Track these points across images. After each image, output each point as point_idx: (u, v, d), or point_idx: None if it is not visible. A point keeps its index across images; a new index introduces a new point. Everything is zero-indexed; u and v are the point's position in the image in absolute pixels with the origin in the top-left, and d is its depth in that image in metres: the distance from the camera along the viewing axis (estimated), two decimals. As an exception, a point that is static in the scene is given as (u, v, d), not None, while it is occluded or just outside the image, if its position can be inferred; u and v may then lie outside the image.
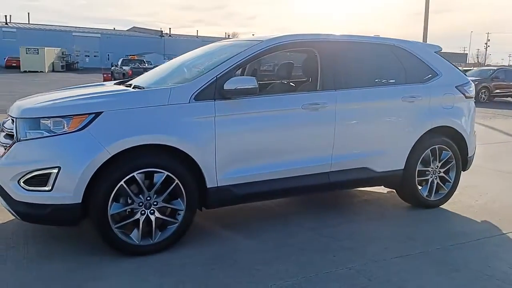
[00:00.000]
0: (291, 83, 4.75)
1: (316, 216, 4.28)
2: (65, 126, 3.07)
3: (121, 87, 3.83)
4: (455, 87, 4.63)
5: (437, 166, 4.57)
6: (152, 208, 3.28)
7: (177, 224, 3.38)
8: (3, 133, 3.39)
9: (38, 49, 41.97)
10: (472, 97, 4.86)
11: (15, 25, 55.05)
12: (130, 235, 3.24)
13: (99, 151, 3.04)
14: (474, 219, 4.37)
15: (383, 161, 4.23)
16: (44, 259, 3.18)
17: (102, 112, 3.13)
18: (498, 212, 4.57)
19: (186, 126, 3.33)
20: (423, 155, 4.45)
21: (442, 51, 4.84)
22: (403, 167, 4.36)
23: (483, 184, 5.67)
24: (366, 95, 4.13)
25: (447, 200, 4.73)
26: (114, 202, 3.14)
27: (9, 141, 3.22)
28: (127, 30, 68.51)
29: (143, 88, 3.70)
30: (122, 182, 3.13)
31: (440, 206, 4.68)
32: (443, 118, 4.51)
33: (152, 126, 3.23)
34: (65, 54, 47.99)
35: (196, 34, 68.93)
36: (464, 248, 3.63)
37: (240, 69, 5.21)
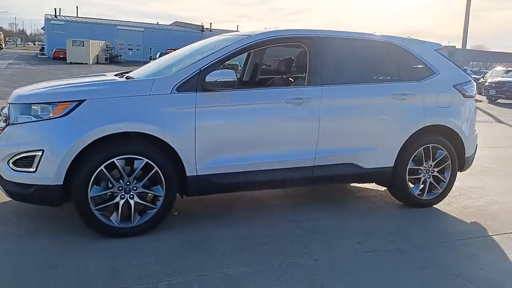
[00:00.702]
0: (290, 78, 4.81)
1: (302, 210, 4.34)
2: (51, 112, 3.29)
3: (116, 78, 4.02)
4: (453, 86, 4.55)
5: (431, 165, 4.52)
6: (131, 193, 3.45)
7: (156, 210, 3.54)
8: (2, 118, 3.66)
9: (83, 41, 43.53)
10: (473, 97, 4.76)
11: (63, 18, 57.32)
12: (110, 218, 3.43)
13: (80, 137, 3.23)
14: (464, 220, 4.31)
15: (371, 158, 4.23)
16: (28, 236, 3.42)
17: (85, 100, 3.32)
18: (493, 215, 4.47)
19: (167, 116, 3.48)
20: (415, 153, 4.41)
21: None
22: (392, 165, 4.34)
23: (489, 186, 5.54)
24: (354, 91, 4.14)
25: (441, 200, 4.67)
26: (94, 185, 3.33)
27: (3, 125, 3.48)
28: (169, 25, 69.91)
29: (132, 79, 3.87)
30: (102, 167, 3.31)
31: (434, 206, 4.63)
32: (438, 117, 4.45)
33: (132, 115, 3.40)
34: (109, 47, 49.51)
35: (236, 29, 69.43)
36: (442, 247, 3.61)
37: (243, 63, 5.42)
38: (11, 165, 3.31)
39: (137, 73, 4.19)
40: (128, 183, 3.44)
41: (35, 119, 3.32)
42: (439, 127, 4.49)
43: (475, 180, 5.81)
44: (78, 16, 63.75)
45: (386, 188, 4.80)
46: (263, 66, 5.29)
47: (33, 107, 3.37)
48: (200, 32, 62.47)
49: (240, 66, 6.04)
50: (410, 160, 4.41)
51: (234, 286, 2.84)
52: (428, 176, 4.54)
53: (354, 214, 4.32)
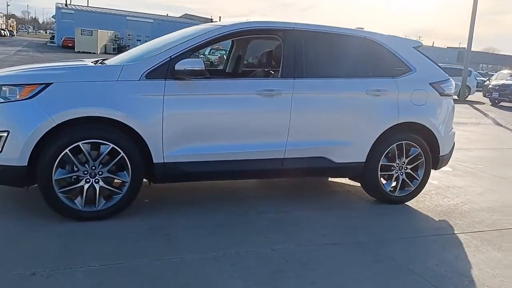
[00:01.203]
0: (271, 71, 4.83)
1: (274, 202, 4.37)
2: (17, 94, 3.35)
3: (89, 63, 4.06)
4: (430, 83, 4.55)
5: (404, 162, 4.53)
6: (97, 177, 3.51)
7: (121, 195, 3.59)
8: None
9: (92, 31, 43.74)
10: (450, 96, 4.76)
11: (73, 7, 57.57)
12: (75, 201, 3.48)
13: (44, 119, 3.28)
14: (433, 218, 4.32)
15: (342, 152, 4.25)
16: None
17: (52, 83, 3.37)
18: (463, 214, 4.48)
19: (134, 102, 3.52)
20: (388, 149, 4.42)
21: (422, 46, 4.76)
22: (364, 160, 4.35)
23: (468, 187, 5.54)
24: (327, 85, 4.16)
25: (414, 197, 4.68)
26: (59, 168, 3.39)
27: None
28: (179, 17, 69.96)
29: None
30: (67, 150, 3.36)
31: (406, 203, 4.64)
32: (412, 115, 4.45)
33: (99, 100, 3.44)
34: (118, 37, 49.71)
35: (245, 24, 69.22)
36: (402, 243, 3.63)
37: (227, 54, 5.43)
38: (-21, 145, 3.37)
39: (113, 60, 4.24)
40: (93, 168, 3.49)
41: (3, 101, 3.37)
42: (413, 125, 4.49)
43: (456, 180, 5.81)
44: (88, 5, 63.96)
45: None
46: (246, 58, 5.31)
47: (3, 88, 3.43)
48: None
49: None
50: (383, 156, 4.42)
51: (185, 271, 2.88)
52: (401, 173, 4.55)
53: (325, 208, 4.34)
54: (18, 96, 3.35)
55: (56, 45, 51.00)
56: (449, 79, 4.75)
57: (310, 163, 4.17)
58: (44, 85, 3.35)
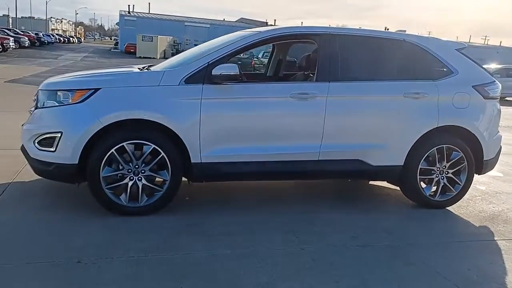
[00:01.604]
0: (310, 74, 4.92)
1: (310, 203, 4.46)
2: (70, 98, 3.67)
3: (136, 69, 4.35)
4: (472, 86, 4.45)
5: (445, 167, 4.45)
6: (140, 175, 3.77)
7: (162, 192, 3.83)
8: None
9: (152, 37, 45.47)
10: (495, 98, 4.62)
11: (135, 14, 60.17)
12: (120, 197, 3.76)
13: (93, 122, 3.58)
14: (474, 223, 4.22)
15: (378, 155, 4.26)
16: (49, 208, 3.84)
17: (100, 88, 3.67)
18: (508, 220, 4.34)
19: (173, 105, 3.74)
20: (428, 153, 4.36)
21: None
22: (402, 164, 4.33)
23: (519, 193, 5.32)
24: (363, 88, 4.19)
25: (455, 202, 4.59)
26: (106, 166, 3.67)
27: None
28: (234, 21, 71.11)
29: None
30: (113, 150, 3.64)
31: (447, 208, 4.56)
32: (453, 118, 4.38)
33: (142, 104, 3.70)
34: (176, 43, 51.35)
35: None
36: (435, 247, 3.60)
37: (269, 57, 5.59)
38: (36, 144, 3.73)
39: (157, 66, 4.50)
40: (136, 166, 3.75)
41: (58, 104, 3.71)
42: (455, 128, 4.41)
43: (506, 186, 5.61)
44: (150, 12, 66.59)
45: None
46: (287, 61, 5.43)
47: (58, 93, 3.77)
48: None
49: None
50: (422, 160, 4.37)
51: (215, 265, 3.05)
52: (442, 178, 4.48)
53: (361, 210, 4.36)
54: (70, 100, 3.67)
55: (120, 51, 53.50)
56: (494, 81, 4.62)
57: (345, 165, 4.22)
58: (93, 90, 3.66)
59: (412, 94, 4.25)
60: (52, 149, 3.66)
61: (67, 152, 3.62)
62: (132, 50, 47.39)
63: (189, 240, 3.42)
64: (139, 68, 4.42)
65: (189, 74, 3.81)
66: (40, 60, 26.22)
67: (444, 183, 4.49)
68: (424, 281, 3.03)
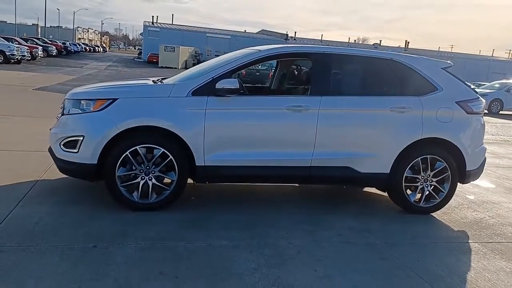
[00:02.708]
0: (306, 87, 5.40)
1: (304, 206, 4.91)
2: (91, 107, 4.22)
3: (150, 82, 4.89)
4: (456, 102, 4.85)
5: (429, 175, 4.85)
6: (150, 175, 4.28)
7: (169, 191, 4.33)
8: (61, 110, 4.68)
9: (174, 47, 46.56)
10: (478, 114, 5.00)
11: (159, 25, 61.70)
12: (133, 194, 4.28)
13: (111, 127, 4.12)
14: (453, 228, 4.60)
15: (366, 163, 4.68)
16: (70, 203, 4.39)
17: (118, 98, 4.21)
18: (486, 226, 4.70)
19: (181, 115, 4.26)
20: (413, 162, 4.77)
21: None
22: (388, 171, 4.74)
23: (505, 203, 5.68)
24: (352, 102, 4.63)
25: (439, 209, 4.97)
26: (121, 167, 4.20)
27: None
28: (256, 33, 72.14)
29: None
30: (127, 152, 4.17)
31: (432, 214, 4.94)
32: (436, 131, 4.77)
33: (153, 113, 4.22)
34: (197, 53, 52.43)
35: (320, 38, 69.91)
36: (411, 247, 3.99)
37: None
38: (61, 146, 4.29)
39: (170, 79, 5.04)
40: (147, 167, 4.26)
41: (81, 112, 4.27)
42: (438, 140, 4.81)
43: (494, 196, 5.95)
44: (173, 23, 68.12)
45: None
46: (289, 75, 5.93)
47: (82, 102, 4.33)
48: (284, 40, 63.74)
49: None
50: (408, 169, 4.78)
51: (211, 253, 3.52)
52: (426, 185, 4.88)
53: (350, 213, 4.78)
54: (92, 108, 4.22)
55: (143, 60, 54.87)
56: (478, 98, 5.01)
57: (336, 172, 4.66)
58: (111, 100, 4.20)
59: (397, 108, 4.68)
60: (75, 151, 4.20)
61: (87, 153, 4.16)
62: (154, 60, 48.60)
63: (191, 232, 3.90)
64: (153, 81, 4.96)
65: (196, 87, 4.33)
66: (66, 69, 27.30)
67: (428, 190, 4.88)
68: (393, 273, 3.44)
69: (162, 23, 64.78)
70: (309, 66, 4.93)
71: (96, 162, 4.17)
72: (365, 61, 4.86)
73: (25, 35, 53.89)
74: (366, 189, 5.67)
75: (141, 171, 4.27)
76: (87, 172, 4.23)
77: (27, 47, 31.08)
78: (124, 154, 4.17)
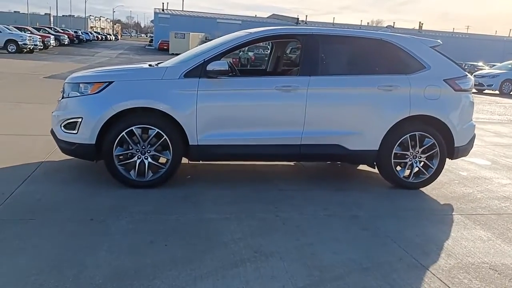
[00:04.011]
0: (298, 68, 5.54)
1: (295, 183, 5.10)
2: (89, 89, 4.44)
3: (145, 65, 5.08)
4: (444, 80, 4.95)
5: (418, 151, 4.99)
6: (146, 155, 4.51)
7: (164, 169, 4.55)
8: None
9: (184, 34, 46.69)
10: (466, 91, 5.10)
11: (169, 12, 61.77)
12: (130, 172, 4.51)
13: (107, 109, 4.33)
14: (439, 202, 4.75)
15: (355, 141, 4.84)
16: (72, 181, 4.65)
17: (114, 81, 4.42)
18: (472, 200, 4.84)
19: (174, 96, 4.45)
20: (401, 139, 4.91)
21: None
22: (377, 148, 4.89)
23: (496, 179, 5.79)
24: (339, 82, 4.77)
25: (428, 184, 5.11)
26: (118, 147, 4.43)
27: (62, 99, 4.73)
28: (266, 17, 71.74)
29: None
30: (123, 133, 4.39)
31: (422, 189, 5.09)
32: (424, 108, 4.90)
33: (147, 94, 4.43)
34: (208, 39, 52.25)
35: (332, 21, 69.23)
36: (394, 219, 4.16)
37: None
38: (62, 127, 4.53)
39: (165, 62, 5.22)
40: (143, 147, 4.49)
41: (79, 95, 4.50)
42: (426, 117, 4.93)
43: (487, 173, 6.06)
44: (183, 9, 68.09)
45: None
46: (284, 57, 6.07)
47: (80, 85, 4.55)
48: (295, 24, 63.33)
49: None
50: (396, 145, 4.92)
51: (200, 225, 3.74)
52: (415, 162, 5.02)
53: (340, 189, 4.96)
54: (89, 91, 4.44)
55: (154, 48, 55.11)
56: (466, 75, 5.10)
57: (325, 149, 4.82)
58: (107, 83, 4.41)
59: (385, 87, 4.81)
60: (74, 132, 4.44)
61: (86, 134, 4.39)
62: (165, 47, 48.76)
63: (183, 207, 4.13)
64: (149, 65, 5.16)
65: (188, 70, 4.51)
66: (78, 57, 27.67)
67: (417, 167, 5.03)
68: (373, 242, 3.62)
69: (173, 10, 64.81)
70: (298, 47, 5.07)
71: (94, 142, 4.40)
72: (354, 41, 4.98)
73: (38, 24, 54.53)
74: (360, 166, 5.83)
75: (137, 150, 4.49)
76: (87, 152, 4.47)
77: (39, 37, 31.54)
78: (121, 135, 4.39)
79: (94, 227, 3.57)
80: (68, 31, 51.03)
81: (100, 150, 4.46)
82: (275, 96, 4.63)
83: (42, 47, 31.39)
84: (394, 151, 4.93)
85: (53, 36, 37.08)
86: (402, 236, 3.76)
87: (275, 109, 4.66)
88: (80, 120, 4.40)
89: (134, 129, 4.41)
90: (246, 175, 5.27)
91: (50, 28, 47.95)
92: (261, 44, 35.22)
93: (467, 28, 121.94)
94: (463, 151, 5.19)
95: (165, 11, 62.15)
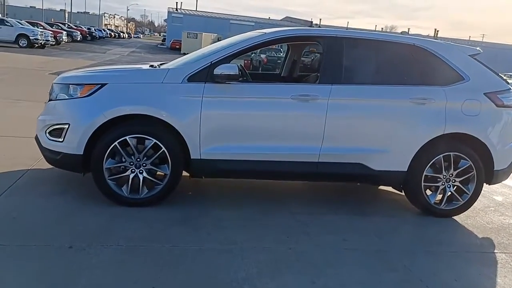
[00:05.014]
0: (317, 75, 4.94)
1: (309, 204, 4.50)
2: (79, 92, 3.88)
3: (143, 66, 4.50)
4: (484, 93, 4.32)
5: (452, 175, 4.36)
6: (141, 168, 3.93)
7: (162, 186, 3.97)
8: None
9: (197, 34, 46.32)
10: (509, 107, 4.45)
11: (182, 12, 61.45)
12: (122, 188, 3.94)
13: (98, 115, 3.77)
14: (477, 234, 4.12)
15: (381, 160, 4.22)
16: (56, 195, 4.08)
17: (107, 83, 3.85)
18: (514, 233, 4.19)
19: (175, 102, 3.87)
20: (434, 160, 4.29)
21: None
22: (405, 169, 4.27)
23: (537, 206, 5.11)
24: (366, 92, 4.16)
25: (463, 212, 4.48)
26: (109, 158, 3.86)
27: (50, 102, 4.17)
28: (280, 20, 71.13)
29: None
30: (116, 143, 3.82)
31: (453, 217, 4.46)
32: (461, 125, 4.27)
33: (144, 100, 3.85)
34: (220, 40, 51.92)
35: (346, 26, 68.43)
36: (426, 256, 3.54)
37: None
38: (47, 134, 3.97)
39: (167, 64, 4.64)
40: (138, 160, 3.91)
41: (68, 97, 3.94)
42: (463, 136, 4.30)
43: (526, 198, 5.39)
44: (197, 9, 67.79)
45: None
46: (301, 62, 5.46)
47: (70, 87, 3.99)
48: (308, 27, 62.65)
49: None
50: (427, 167, 4.29)
51: (198, 259, 3.15)
52: (448, 186, 4.39)
53: (361, 214, 4.34)
54: (79, 94, 3.88)
55: (166, 47, 54.79)
56: (509, 89, 4.46)
57: (346, 168, 4.21)
58: (100, 85, 3.85)
59: (418, 99, 4.19)
60: (60, 140, 3.88)
61: (73, 143, 3.82)
62: (177, 46, 48.38)
63: (180, 232, 3.54)
64: (151, 66, 4.59)
65: (192, 73, 3.94)
66: (89, 54, 27.33)
67: (450, 191, 4.39)
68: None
69: (186, 10, 64.50)
70: (319, 52, 4.46)
71: (82, 153, 3.83)
72: (382, 46, 4.35)
73: (52, 20, 54.54)
74: (381, 187, 5.21)
75: (131, 163, 3.92)
76: (73, 163, 3.91)
77: (51, 32, 31.26)
78: (113, 145, 3.82)
79: (73, 258, 3.00)
80: (81, 27, 50.89)
81: (89, 162, 3.89)
82: (291, 106, 4.03)
83: (54, 43, 31.11)
84: (425, 173, 4.30)
85: (65, 32, 36.83)
86: (438, 280, 3.15)
87: (290, 121, 4.06)
88: (66, 126, 3.84)
89: (128, 139, 3.84)
90: (254, 193, 4.67)
91: (64, 24, 47.81)
92: (273, 46, 34.69)
93: (482, 37, 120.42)
94: (503, 175, 4.54)
95: (179, 10, 61.85)
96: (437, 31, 67.73)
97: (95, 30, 56.13)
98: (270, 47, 30.95)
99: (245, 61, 29.74)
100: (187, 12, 62.21)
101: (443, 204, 4.41)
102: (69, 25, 49.10)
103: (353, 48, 4.24)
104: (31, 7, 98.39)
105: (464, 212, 4.50)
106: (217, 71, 3.87)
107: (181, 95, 3.90)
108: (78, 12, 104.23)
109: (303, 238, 3.66)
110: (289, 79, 5.45)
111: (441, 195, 4.41)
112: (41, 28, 30.65)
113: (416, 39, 4.41)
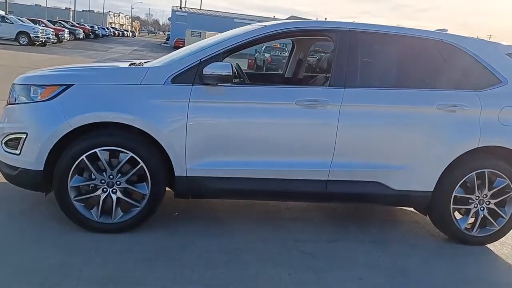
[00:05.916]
0: (326, 76, 4.26)
1: (315, 229, 3.81)
2: (39, 95, 3.21)
3: (118, 64, 3.82)
4: (527, 99, 3.62)
5: (486, 195, 3.67)
6: (114, 187, 3.26)
7: (140, 208, 3.30)
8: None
9: (200, 32, 45.69)
10: (555, 116, 3.75)
11: (186, 10, 60.83)
12: (91, 211, 3.27)
13: (61, 123, 3.10)
14: (517, 269, 3.42)
15: (402, 178, 3.54)
16: (13, 219, 3.43)
17: (73, 84, 3.18)
18: None
19: (155, 108, 3.20)
20: (465, 178, 3.60)
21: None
22: (432, 189, 3.59)
23: None
24: (385, 97, 3.47)
25: (498, 239, 3.79)
26: (76, 175, 3.19)
27: (11, 106, 3.49)
28: (285, 19, 70.49)
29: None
30: (83, 157, 3.15)
31: (486, 245, 3.77)
32: (499, 137, 3.58)
33: (117, 105, 3.18)
34: (224, 39, 51.37)
35: (353, 26, 67.70)
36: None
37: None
38: (3, 145, 3.31)
39: (151, 62, 3.97)
40: (111, 177, 3.24)
41: (26, 101, 3.27)
42: (500, 150, 3.62)
43: None
44: (201, 8, 67.20)
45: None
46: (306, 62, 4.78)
47: (31, 88, 3.32)
48: (316, 20, 61.90)
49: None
50: (457, 186, 3.61)
51: (176, 308, 2.48)
52: (482, 208, 3.70)
53: (377, 241, 3.66)
54: (39, 97, 3.21)
55: (170, 45, 54.19)
56: (553, 95, 3.75)
57: (361, 187, 3.53)
58: (65, 87, 3.18)
59: (447, 106, 3.50)
60: (17, 152, 3.21)
61: (31, 157, 3.16)
62: (181, 45, 47.69)
63: (158, 270, 2.86)
64: (131, 64, 3.91)
65: (177, 73, 3.26)
66: (90, 52, 26.69)
67: (484, 215, 3.70)
68: None
69: (190, 8, 63.89)
70: (330, 49, 3.78)
71: (42, 168, 3.16)
72: (405, 42, 3.65)
73: (57, 18, 54.04)
74: (402, 208, 4.51)
75: (103, 181, 3.24)
76: (32, 181, 3.23)
77: (52, 30, 30.66)
78: (80, 159, 3.15)
79: (13, 309, 2.34)
80: (84, 25, 50.30)
81: (51, 179, 3.22)
82: (295, 113, 3.35)
83: (55, 41, 30.50)
84: (454, 194, 3.61)
85: (67, 30, 36.20)
86: None
87: (294, 131, 3.38)
88: (23, 136, 3.17)
89: (98, 152, 3.16)
90: (250, 214, 3.98)
91: (66, 22, 47.25)
92: (279, 45, 34.08)
93: (489, 38, 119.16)
94: (545, 196, 3.84)
95: (183, 9, 61.22)
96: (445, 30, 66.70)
97: (98, 28, 55.55)
98: (276, 46, 30.35)
99: (249, 60, 29.14)
100: (191, 11, 61.54)
101: (475, 229, 3.72)
102: (71, 23, 48.53)
103: (370, 44, 3.56)
104: (36, 5, 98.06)
105: (499, 240, 3.81)
106: (207, 70, 3.20)
107: (163, 99, 3.22)
108: (83, 10, 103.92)
109: (308, 275, 2.97)
110: (293, 81, 4.77)
111: (473, 219, 3.72)
112: (42, 26, 30.05)
113: (444, 34, 3.71)
